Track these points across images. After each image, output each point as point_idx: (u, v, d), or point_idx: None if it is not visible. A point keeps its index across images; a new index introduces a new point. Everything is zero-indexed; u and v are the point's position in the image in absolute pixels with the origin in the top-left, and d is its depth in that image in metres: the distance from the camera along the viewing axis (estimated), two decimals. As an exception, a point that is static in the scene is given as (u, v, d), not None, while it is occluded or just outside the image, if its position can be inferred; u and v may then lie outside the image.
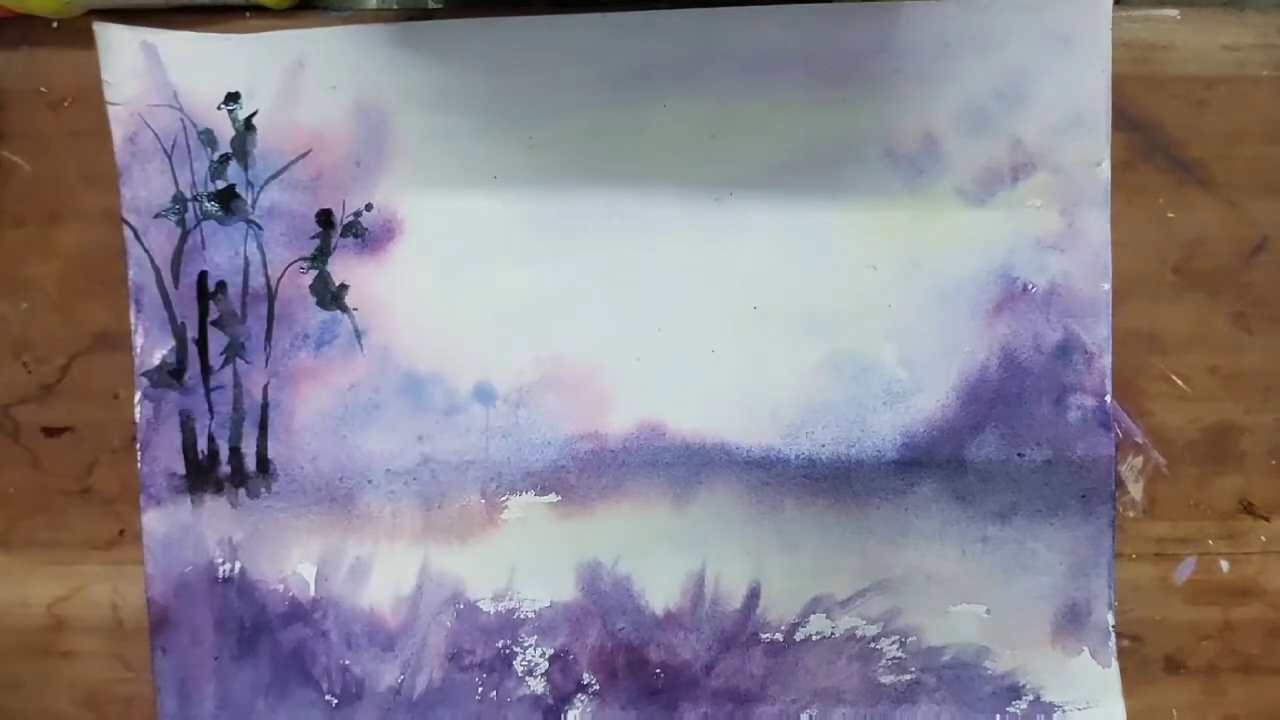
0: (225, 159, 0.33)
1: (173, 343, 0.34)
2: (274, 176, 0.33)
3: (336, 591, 0.34)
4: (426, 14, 0.33)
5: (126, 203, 0.33)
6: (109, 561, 0.34)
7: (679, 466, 0.33)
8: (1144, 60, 0.33)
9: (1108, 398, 0.33)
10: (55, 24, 0.33)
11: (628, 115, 0.33)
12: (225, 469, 0.34)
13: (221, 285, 0.34)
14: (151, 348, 0.34)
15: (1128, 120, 0.33)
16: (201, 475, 0.34)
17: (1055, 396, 0.33)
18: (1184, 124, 0.33)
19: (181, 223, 0.33)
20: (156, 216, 0.33)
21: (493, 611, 0.34)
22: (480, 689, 0.34)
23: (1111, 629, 0.33)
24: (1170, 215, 0.33)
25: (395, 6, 0.33)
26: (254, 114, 0.33)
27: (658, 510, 0.33)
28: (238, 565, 0.34)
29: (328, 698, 0.34)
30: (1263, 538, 0.33)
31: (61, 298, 0.34)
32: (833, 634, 0.33)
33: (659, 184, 0.33)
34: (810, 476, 0.33)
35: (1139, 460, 0.33)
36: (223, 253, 0.33)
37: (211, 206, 0.33)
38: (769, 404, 0.33)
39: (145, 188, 0.33)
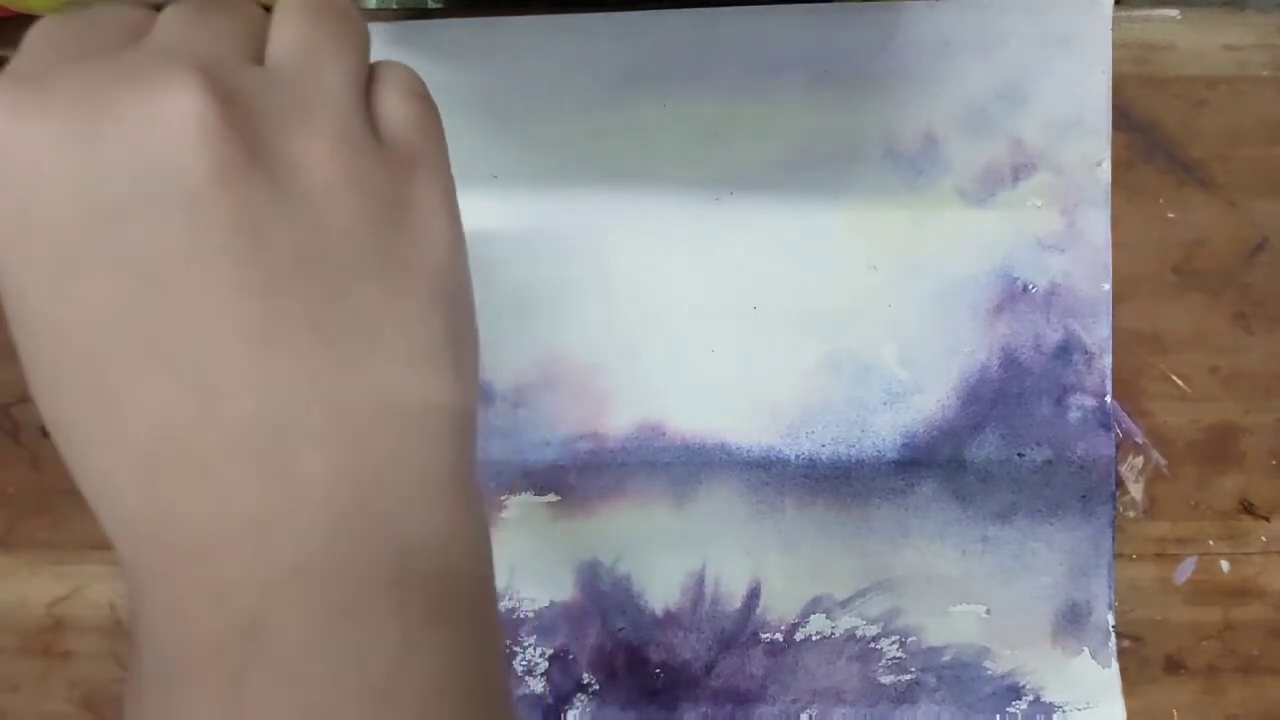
0: (225, 159, 0.33)
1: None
2: (274, 176, 0.33)
3: (336, 591, 0.34)
4: (426, 14, 0.33)
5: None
6: (109, 561, 0.34)
7: (679, 466, 0.33)
8: (1144, 60, 0.33)
9: (1108, 398, 0.33)
10: (55, 24, 0.33)
11: (628, 115, 0.33)
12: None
13: (221, 285, 0.34)
14: (151, 347, 0.34)
15: (1128, 120, 0.33)
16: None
17: (1055, 396, 0.33)
18: (1184, 124, 0.33)
19: (181, 222, 0.33)
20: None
21: (492, 611, 0.34)
22: (480, 689, 0.34)
23: (1112, 629, 0.33)
24: (1170, 215, 0.33)
25: (395, 6, 0.33)
26: (254, 114, 0.33)
27: (658, 510, 0.33)
28: (237, 565, 0.34)
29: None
30: (1263, 538, 0.33)
31: (61, 297, 0.34)
32: (833, 634, 0.33)
33: (659, 184, 0.33)
34: (810, 476, 0.33)
35: (1139, 460, 0.33)
36: (223, 252, 0.33)
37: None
38: (769, 404, 0.33)
39: (145, 187, 0.33)
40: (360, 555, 0.16)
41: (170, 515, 0.16)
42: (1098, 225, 0.32)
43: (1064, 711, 0.33)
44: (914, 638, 0.33)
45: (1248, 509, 0.33)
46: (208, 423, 0.16)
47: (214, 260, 0.16)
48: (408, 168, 0.18)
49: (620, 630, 0.33)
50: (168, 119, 0.15)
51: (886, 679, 0.33)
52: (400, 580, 0.16)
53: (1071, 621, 0.33)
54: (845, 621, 0.33)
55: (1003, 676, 0.33)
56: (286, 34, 0.18)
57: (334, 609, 0.15)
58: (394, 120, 0.19)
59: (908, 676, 0.33)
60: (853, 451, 0.33)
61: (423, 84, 0.20)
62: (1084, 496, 0.33)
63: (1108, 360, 0.33)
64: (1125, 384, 0.33)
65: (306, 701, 0.15)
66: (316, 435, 0.16)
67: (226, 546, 0.16)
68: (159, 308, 0.16)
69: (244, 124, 0.16)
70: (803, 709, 0.33)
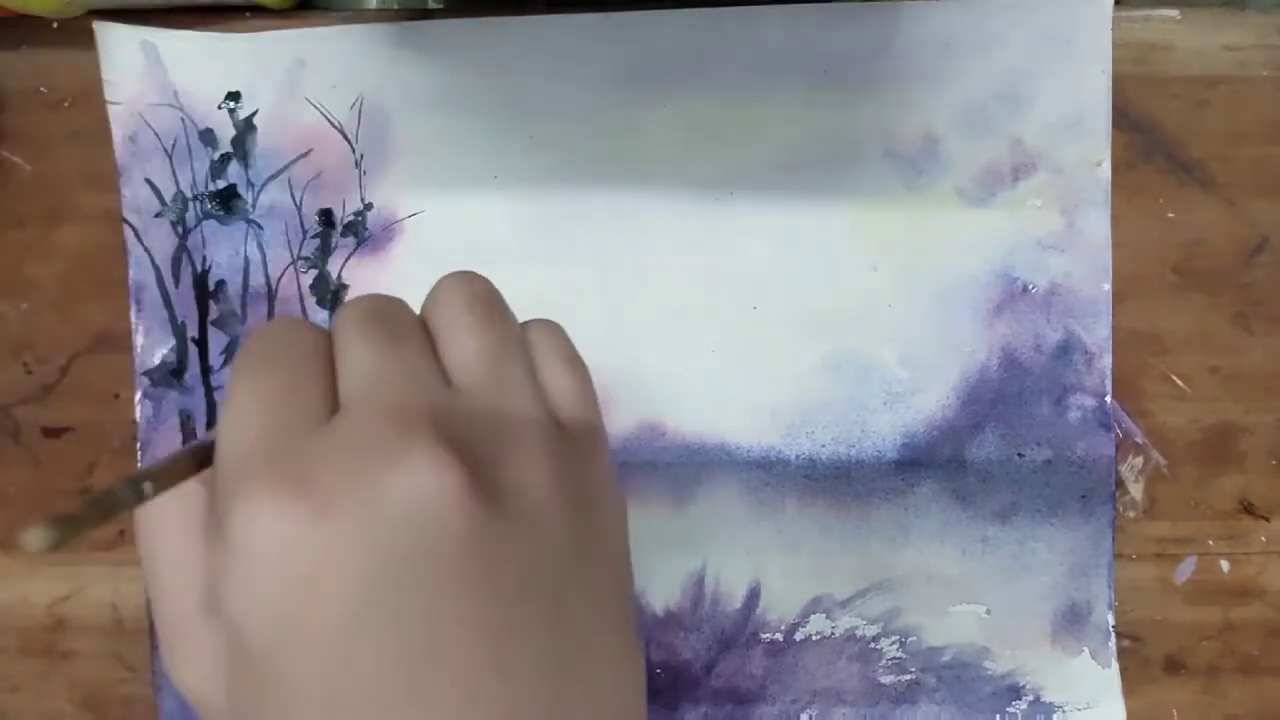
0: (225, 158, 0.33)
1: (173, 342, 0.34)
2: (274, 176, 0.33)
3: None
4: (426, 14, 0.33)
5: (126, 202, 0.33)
6: (109, 562, 0.34)
7: (679, 466, 0.33)
8: (1144, 60, 0.33)
9: (1108, 398, 0.33)
10: (55, 24, 0.33)
11: (628, 115, 0.33)
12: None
13: (222, 285, 0.34)
14: (152, 347, 0.34)
15: (1128, 120, 0.33)
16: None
17: (1055, 396, 0.33)
18: (1184, 124, 0.33)
19: (182, 222, 0.33)
20: (157, 216, 0.33)
21: (493, 611, 0.33)
22: (480, 689, 0.34)
23: (1111, 629, 0.33)
24: (1170, 215, 0.33)
25: (395, 6, 0.33)
26: (254, 113, 0.33)
27: (658, 510, 0.33)
28: (238, 565, 0.34)
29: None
30: (1263, 538, 0.33)
31: (61, 298, 0.34)
32: (833, 634, 0.33)
33: (659, 184, 0.33)
34: (810, 476, 0.33)
35: (1139, 460, 0.33)
36: (223, 252, 0.34)
37: (212, 206, 0.33)
38: (769, 404, 0.33)
39: (145, 187, 0.33)
40: None
41: None
42: (1098, 225, 0.32)
43: (1064, 711, 0.33)
44: (914, 638, 0.33)
45: (1248, 509, 0.33)
46: None
47: (469, 614, 0.17)
48: (588, 450, 0.19)
49: (620, 630, 0.33)
50: (426, 491, 0.16)
51: (886, 679, 0.33)
52: None
53: (1071, 621, 0.33)
54: (845, 621, 0.33)
55: (1003, 676, 0.33)
56: (464, 347, 0.19)
57: None
58: (562, 394, 0.20)
59: (908, 676, 0.33)
60: (853, 451, 0.33)
61: (571, 343, 0.21)
62: (1084, 496, 0.33)
63: (1108, 360, 0.33)
64: (1125, 384, 0.33)
65: None
66: None
67: None
68: (422, 672, 0.16)
69: (481, 473, 0.17)
70: (803, 709, 0.33)
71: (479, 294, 0.20)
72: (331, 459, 0.17)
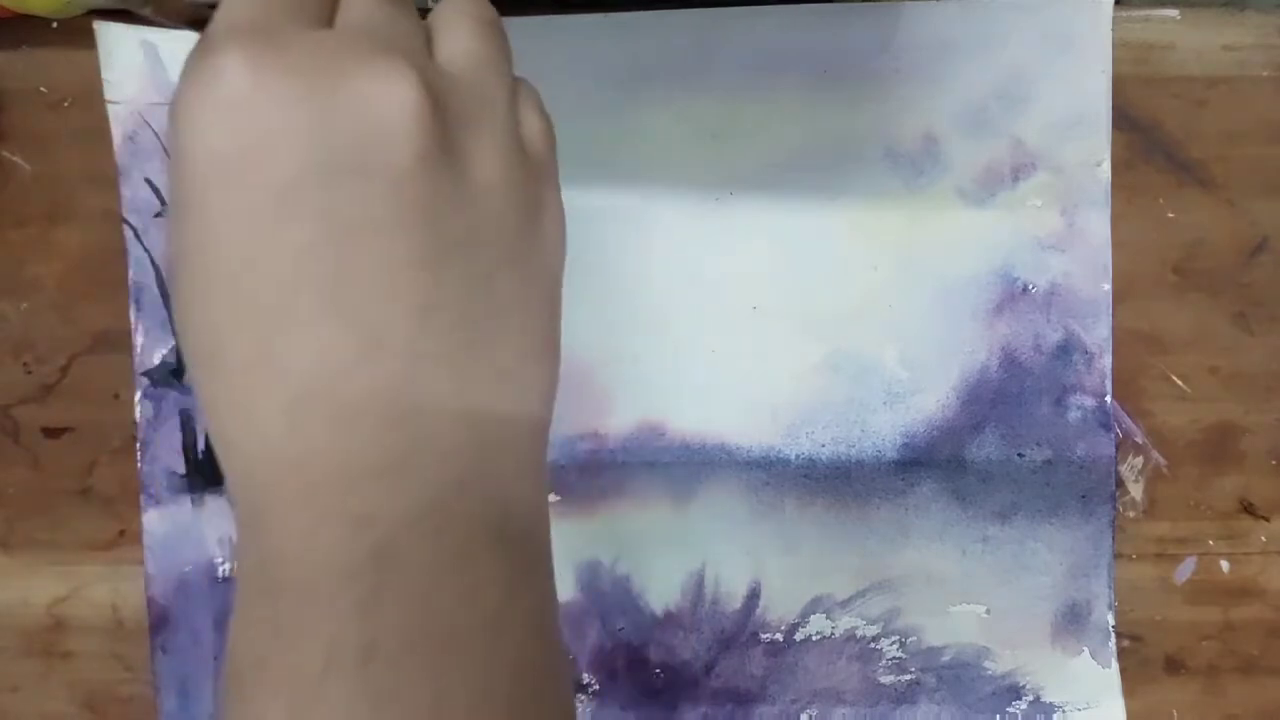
0: (225, 159, 0.33)
1: (173, 342, 0.34)
2: (274, 176, 0.33)
3: (336, 591, 0.34)
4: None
5: (127, 202, 0.33)
6: (109, 561, 0.34)
7: (679, 466, 0.33)
8: (1144, 60, 0.33)
9: (1108, 398, 0.33)
10: (55, 24, 0.33)
11: (629, 116, 0.33)
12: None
13: (221, 285, 0.34)
14: (152, 347, 0.34)
15: (1128, 120, 0.33)
16: (201, 474, 0.34)
17: (1055, 396, 0.33)
18: (1184, 124, 0.33)
19: (181, 222, 0.33)
20: (156, 216, 0.33)
21: (493, 611, 0.33)
22: (480, 689, 0.34)
23: (1111, 629, 0.33)
24: (1170, 215, 0.33)
25: (395, 6, 0.33)
26: (254, 114, 0.33)
27: (658, 510, 0.33)
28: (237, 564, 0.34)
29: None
30: (1263, 538, 0.33)
31: (61, 298, 0.34)
32: (833, 634, 0.33)
33: (659, 184, 0.33)
34: (810, 476, 0.33)
35: (1139, 460, 0.33)
36: (223, 252, 0.33)
37: (211, 206, 0.33)
38: (769, 404, 0.33)
39: (145, 188, 0.33)
40: (475, 509, 0.19)
41: (314, 450, 0.18)
42: (1098, 225, 0.32)
43: (1064, 711, 0.33)
44: (914, 638, 0.33)
45: (1248, 509, 0.33)
46: (362, 371, 0.18)
47: (402, 231, 0.18)
48: (540, 178, 0.21)
49: (620, 630, 0.33)
50: (389, 102, 0.18)
51: (886, 679, 0.33)
52: (502, 536, 0.19)
53: (1071, 621, 0.33)
54: (845, 621, 0.33)
55: (1003, 676, 0.33)
56: (459, 43, 0.20)
57: (454, 551, 0.18)
58: (530, 133, 0.21)
59: (908, 676, 0.33)
60: (853, 451, 0.33)
61: (544, 106, 0.23)
62: (1084, 496, 0.33)
63: (1108, 360, 0.33)
64: (1125, 384, 0.33)
65: (432, 627, 0.17)
66: (447, 403, 0.19)
67: (366, 483, 0.18)
68: (347, 261, 0.18)
69: (442, 118, 0.18)
70: (803, 709, 0.33)
71: (489, 16, 0.21)
72: (308, 45, 0.18)
